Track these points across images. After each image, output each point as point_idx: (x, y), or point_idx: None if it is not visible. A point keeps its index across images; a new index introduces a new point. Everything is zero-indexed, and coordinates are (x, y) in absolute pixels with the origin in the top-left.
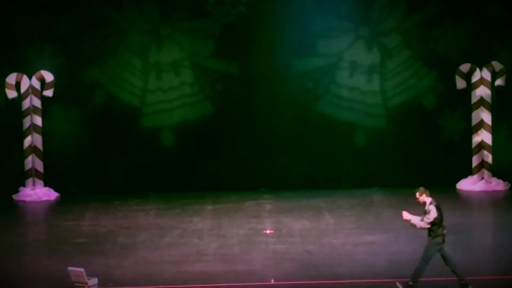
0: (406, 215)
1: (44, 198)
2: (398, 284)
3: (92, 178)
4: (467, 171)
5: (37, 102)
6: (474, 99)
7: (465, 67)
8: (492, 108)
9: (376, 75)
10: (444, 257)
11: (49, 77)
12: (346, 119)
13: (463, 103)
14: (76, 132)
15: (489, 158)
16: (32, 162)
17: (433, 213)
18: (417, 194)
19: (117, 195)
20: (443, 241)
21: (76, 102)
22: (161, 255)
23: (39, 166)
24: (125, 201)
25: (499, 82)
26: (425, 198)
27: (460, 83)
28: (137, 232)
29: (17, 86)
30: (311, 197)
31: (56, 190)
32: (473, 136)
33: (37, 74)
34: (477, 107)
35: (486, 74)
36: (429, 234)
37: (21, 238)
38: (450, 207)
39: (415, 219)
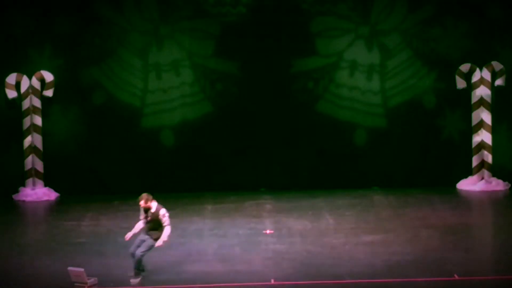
0: (159, 242)
1: (44, 198)
2: (132, 280)
3: (92, 178)
4: (467, 171)
5: (37, 102)
6: (474, 99)
7: (465, 67)
8: (492, 108)
9: (376, 75)
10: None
11: (49, 77)
12: (346, 118)
13: (463, 103)
14: (76, 132)
15: (489, 158)
16: (32, 162)
17: (167, 214)
18: (142, 203)
19: (117, 195)
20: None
21: (76, 102)
22: (161, 255)
23: (39, 166)
24: (125, 201)
25: (499, 82)
26: (151, 204)
27: (460, 83)
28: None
29: (17, 86)
30: (311, 197)
31: (56, 190)
32: (473, 136)
33: (37, 74)
34: (477, 107)
35: (486, 74)
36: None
37: (21, 238)
38: (450, 207)
39: (164, 235)
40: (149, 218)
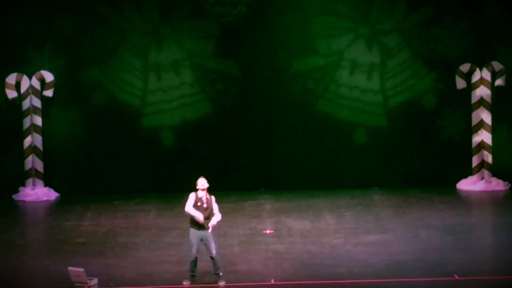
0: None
1: (44, 198)
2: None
3: (92, 178)
4: (467, 171)
5: (37, 102)
6: (474, 99)
7: (465, 67)
8: (492, 108)
9: (376, 75)
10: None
11: (49, 77)
12: (346, 118)
13: (463, 103)
14: (76, 132)
15: (489, 158)
16: (32, 162)
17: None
18: (205, 185)
19: (117, 195)
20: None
21: (76, 102)
22: (161, 255)
23: (39, 166)
24: (125, 201)
25: (499, 82)
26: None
27: (460, 83)
28: (137, 232)
29: (17, 86)
30: (311, 197)
31: (56, 190)
32: (473, 136)
33: (37, 74)
34: (477, 107)
35: (486, 74)
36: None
37: (21, 238)
38: (450, 207)
39: (214, 220)
40: (205, 206)
